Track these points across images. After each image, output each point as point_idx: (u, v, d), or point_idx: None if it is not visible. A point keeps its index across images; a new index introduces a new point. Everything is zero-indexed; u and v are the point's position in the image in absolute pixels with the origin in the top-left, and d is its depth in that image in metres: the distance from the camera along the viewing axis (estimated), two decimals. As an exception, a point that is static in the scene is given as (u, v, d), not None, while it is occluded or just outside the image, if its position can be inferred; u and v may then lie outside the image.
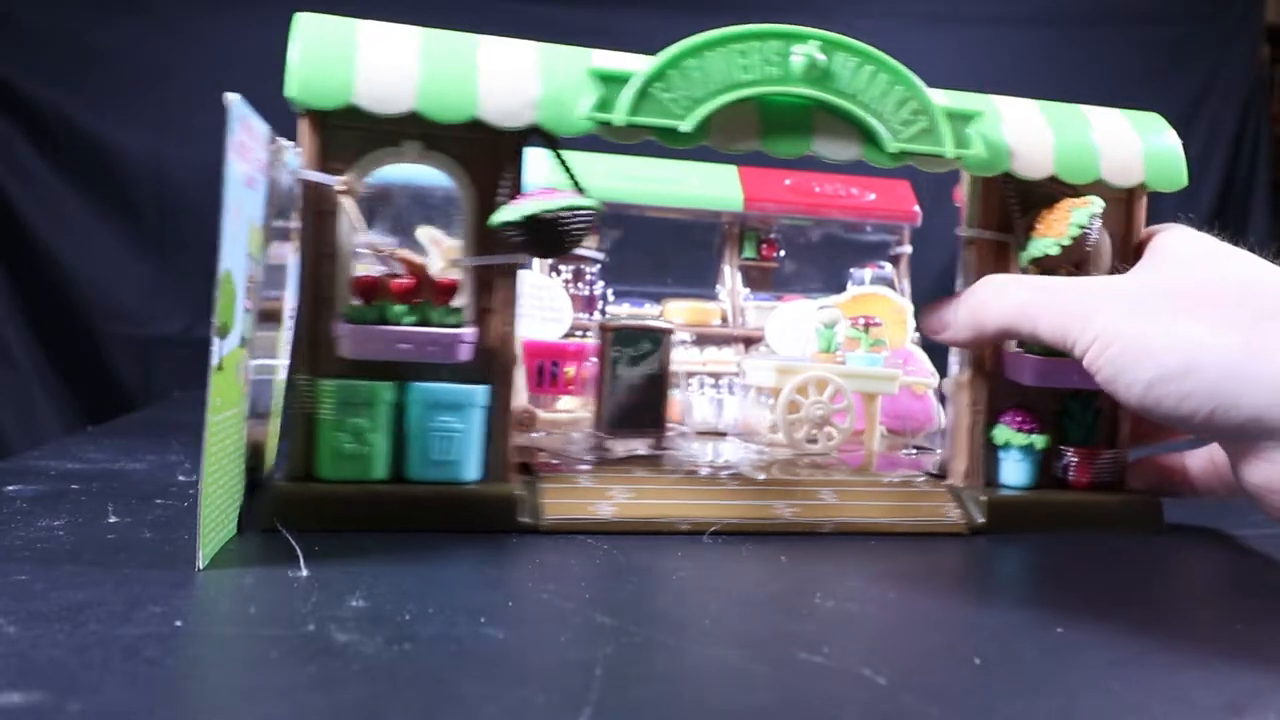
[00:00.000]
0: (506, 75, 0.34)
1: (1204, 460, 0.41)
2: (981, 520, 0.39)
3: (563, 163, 0.36)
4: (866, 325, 0.49)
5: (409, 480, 0.35)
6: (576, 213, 0.34)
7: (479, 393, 0.35)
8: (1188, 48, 1.61)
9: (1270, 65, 1.79)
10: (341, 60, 0.33)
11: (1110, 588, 0.32)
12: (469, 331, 0.35)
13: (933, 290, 0.54)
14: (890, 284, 0.61)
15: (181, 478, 0.42)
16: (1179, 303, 0.34)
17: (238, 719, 0.18)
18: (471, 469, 0.35)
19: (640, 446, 0.45)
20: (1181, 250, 0.38)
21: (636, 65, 0.35)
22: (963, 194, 0.43)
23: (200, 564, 0.27)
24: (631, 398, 0.45)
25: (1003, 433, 0.40)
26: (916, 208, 0.63)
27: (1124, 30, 1.58)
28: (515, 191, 0.35)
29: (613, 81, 0.34)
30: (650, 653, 0.23)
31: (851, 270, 0.61)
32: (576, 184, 0.35)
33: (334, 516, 0.33)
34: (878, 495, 0.39)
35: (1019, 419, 0.40)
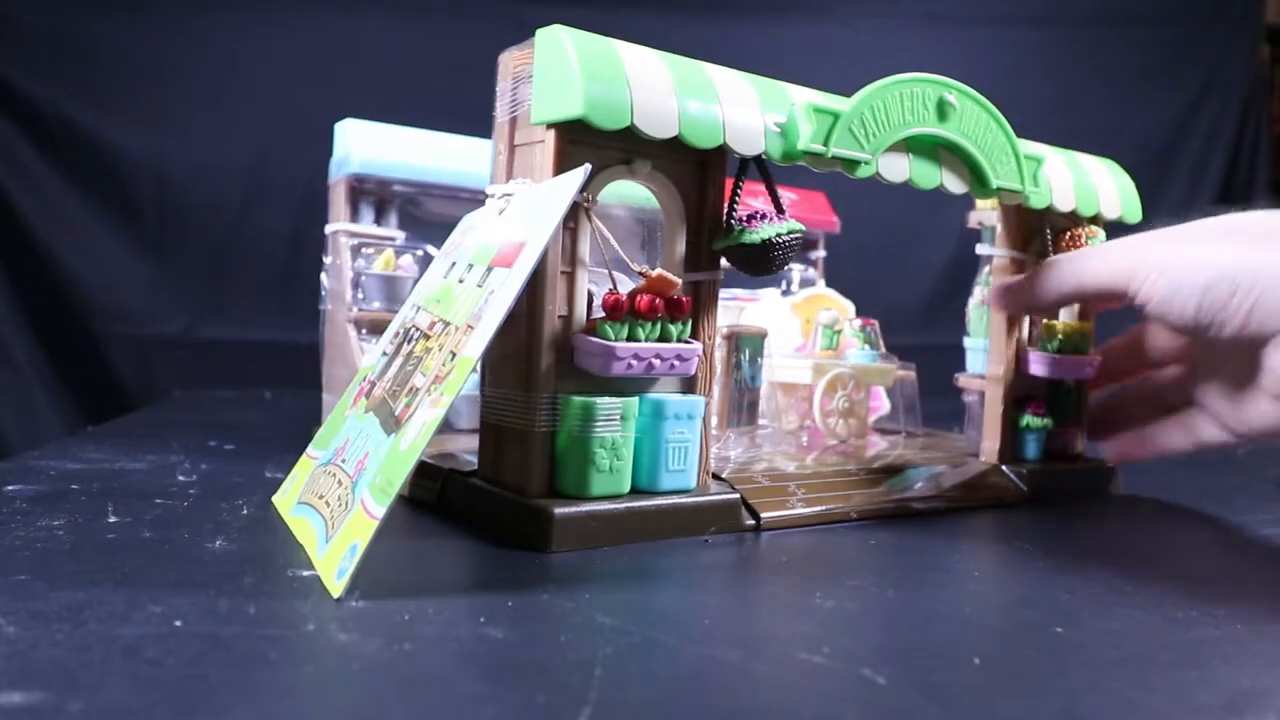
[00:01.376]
0: (743, 106, 0.36)
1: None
2: (1026, 489, 0.47)
3: (771, 187, 0.39)
4: (864, 325, 0.57)
5: (647, 491, 0.35)
6: (795, 236, 0.37)
7: (701, 403, 0.36)
8: (1188, 48, 1.61)
9: (1270, 65, 1.79)
10: (619, 83, 0.33)
11: (1110, 587, 0.32)
12: (698, 346, 0.36)
13: (849, 290, 0.63)
14: (813, 284, 0.69)
15: (181, 478, 0.42)
16: (1217, 232, 0.41)
17: (237, 719, 0.18)
18: (693, 477, 0.36)
19: (747, 442, 0.49)
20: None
21: (839, 105, 0.38)
22: (975, 219, 0.53)
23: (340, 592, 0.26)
24: (745, 396, 0.50)
25: (1025, 418, 0.49)
26: (835, 218, 0.70)
27: (1124, 30, 1.59)
28: (725, 215, 0.38)
29: (824, 116, 0.37)
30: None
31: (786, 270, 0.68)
32: (780, 207, 0.38)
33: (596, 534, 0.33)
34: (952, 476, 0.47)
35: (1033, 406, 0.49)
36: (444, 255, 0.37)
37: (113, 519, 0.33)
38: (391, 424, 0.30)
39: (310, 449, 0.37)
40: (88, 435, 0.56)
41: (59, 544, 0.30)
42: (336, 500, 0.30)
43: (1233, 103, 1.63)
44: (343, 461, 0.32)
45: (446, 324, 0.32)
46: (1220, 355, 0.45)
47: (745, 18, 1.46)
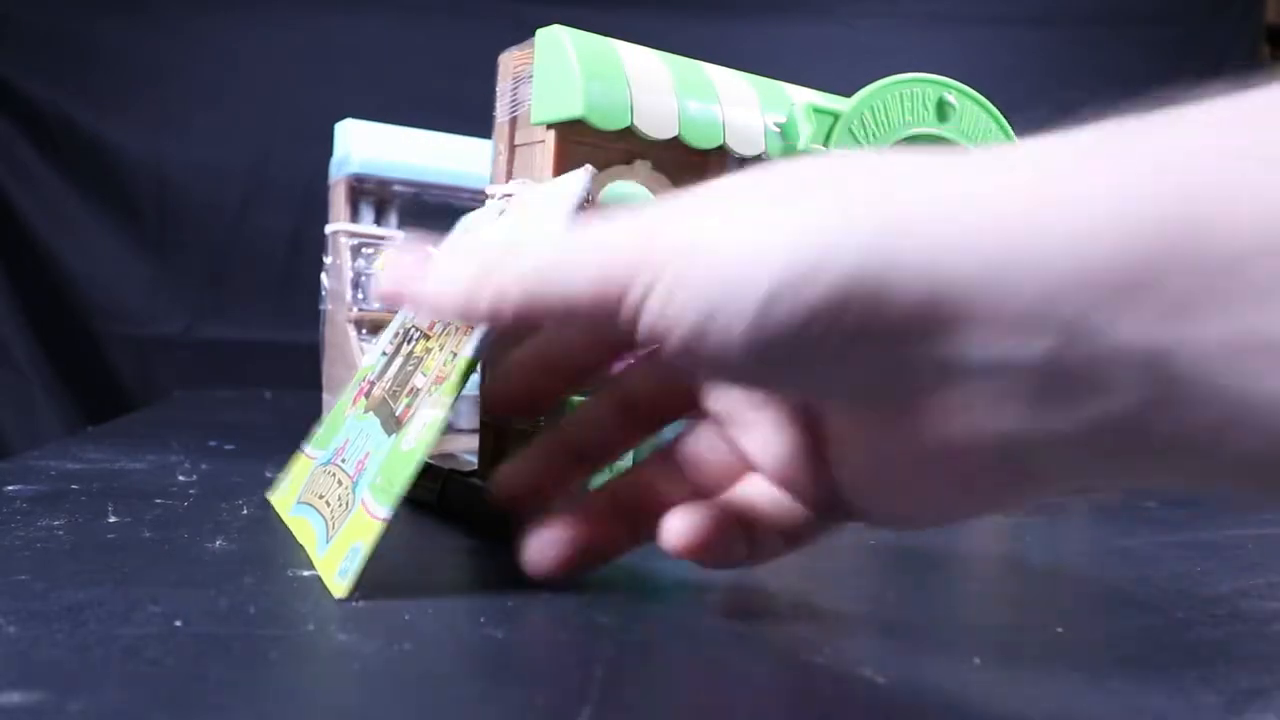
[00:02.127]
0: (743, 106, 0.36)
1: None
2: None
3: None
4: None
5: None
6: None
7: None
8: (1188, 48, 1.61)
9: (1270, 65, 1.79)
10: (620, 83, 0.33)
11: (1110, 587, 0.32)
12: None
13: None
14: None
15: (181, 478, 0.42)
16: (770, 189, 0.21)
17: (237, 719, 0.18)
18: None
19: None
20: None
21: (838, 105, 0.38)
22: None
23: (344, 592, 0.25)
24: None
25: None
26: None
27: (1124, 30, 1.58)
28: None
29: (824, 116, 0.37)
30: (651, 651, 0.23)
31: None
32: None
33: None
34: None
35: None
36: None
37: (113, 519, 0.33)
38: (392, 424, 0.30)
39: (308, 448, 0.37)
40: (88, 435, 0.56)
41: (59, 544, 0.30)
42: (337, 500, 0.30)
43: (1233, 103, 1.63)
44: (342, 461, 0.32)
45: (447, 324, 0.32)
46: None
47: (745, 18, 1.46)
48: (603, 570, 0.31)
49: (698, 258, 0.20)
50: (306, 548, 0.29)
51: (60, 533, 0.31)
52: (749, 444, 0.26)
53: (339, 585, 0.25)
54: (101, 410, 1.09)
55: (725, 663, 0.22)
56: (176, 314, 1.28)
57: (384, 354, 0.35)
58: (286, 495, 0.35)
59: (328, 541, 0.28)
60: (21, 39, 1.25)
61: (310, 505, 0.32)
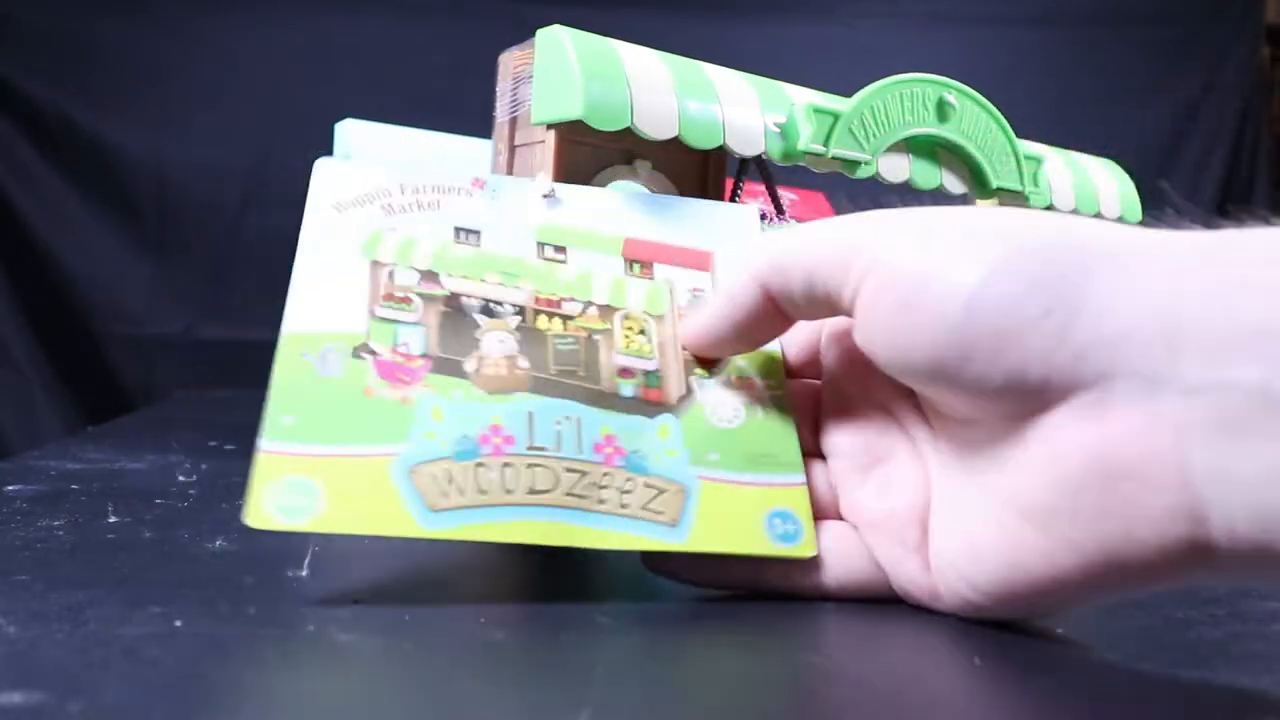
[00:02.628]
0: (743, 106, 0.36)
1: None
2: None
3: (771, 188, 0.39)
4: None
5: None
6: None
7: None
8: (1188, 48, 1.61)
9: (1270, 65, 1.79)
10: (619, 84, 0.33)
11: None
12: None
13: None
14: None
15: (181, 478, 0.42)
16: (972, 228, 0.24)
17: None
18: None
19: None
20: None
21: (839, 105, 0.38)
22: None
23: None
24: None
25: None
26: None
27: (1124, 30, 1.58)
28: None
29: (824, 116, 0.37)
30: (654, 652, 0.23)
31: None
32: (780, 208, 0.38)
33: None
34: None
35: None
36: (441, 222, 0.32)
37: (113, 519, 0.33)
38: (628, 405, 0.29)
39: (371, 445, 0.26)
40: (88, 435, 0.56)
41: (59, 544, 0.30)
42: (600, 484, 0.27)
43: (1233, 103, 1.63)
44: (532, 449, 0.27)
45: (590, 305, 0.30)
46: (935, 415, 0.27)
47: (745, 18, 1.46)
48: (603, 571, 0.31)
49: (899, 269, 0.23)
50: (593, 544, 0.26)
51: (60, 533, 0.31)
52: (860, 494, 0.28)
53: (801, 547, 0.27)
54: (101, 410, 1.09)
55: (725, 664, 0.22)
56: (176, 314, 1.28)
57: (383, 318, 0.29)
58: (388, 507, 0.25)
59: (676, 526, 0.26)
60: (21, 39, 1.25)
61: (555, 506, 0.26)
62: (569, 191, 0.33)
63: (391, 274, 0.30)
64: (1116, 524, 0.21)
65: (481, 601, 0.26)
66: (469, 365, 0.29)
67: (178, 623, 0.23)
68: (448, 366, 0.28)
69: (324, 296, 0.29)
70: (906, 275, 0.23)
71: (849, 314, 0.25)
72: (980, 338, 0.22)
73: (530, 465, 0.27)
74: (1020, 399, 0.22)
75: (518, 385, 0.28)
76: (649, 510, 0.27)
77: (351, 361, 0.28)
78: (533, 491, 0.26)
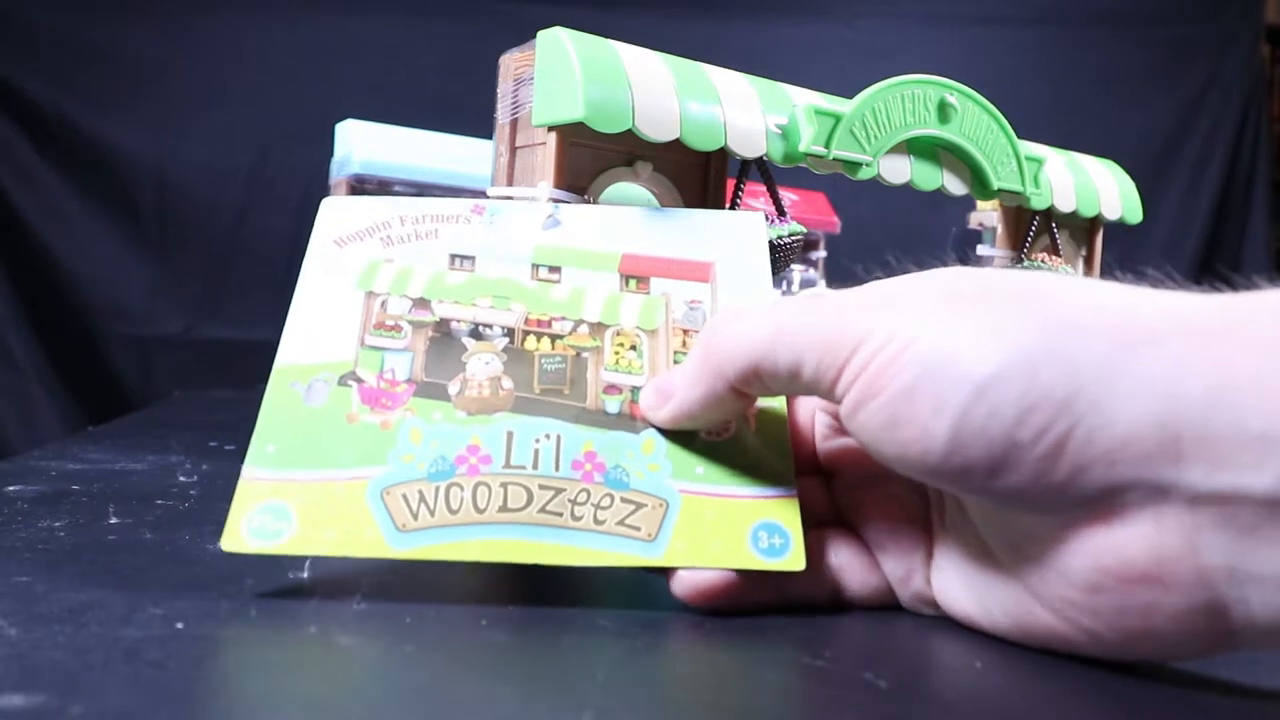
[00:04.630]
0: (744, 108, 0.36)
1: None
2: None
3: (773, 189, 0.38)
4: None
5: None
6: (796, 238, 0.37)
7: None
8: (1188, 48, 1.61)
9: (1270, 65, 1.79)
10: (621, 86, 0.33)
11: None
12: None
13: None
14: (813, 285, 0.70)
15: (182, 478, 0.42)
16: (964, 293, 0.23)
17: (239, 722, 0.18)
18: None
19: None
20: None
21: (840, 106, 0.38)
22: (976, 220, 0.52)
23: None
24: None
25: None
26: (836, 218, 0.71)
27: (1124, 30, 1.58)
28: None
29: (825, 118, 0.37)
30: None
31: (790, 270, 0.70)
32: (781, 210, 0.38)
33: None
34: None
35: None
36: (434, 252, 0.33)
37: (113, 520, 0.33)
38: (612, 421, 0.29)
39: (347, 469, 0.27)
40: (88, 435, 0.56)
41: (60, 545, 0.30)
42: (596, 503, 0.27)
43: (1233, 103, 1.63)
44: (510, 468, 0.27)
45: (580, 323, 0.31)
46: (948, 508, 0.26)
47: (745, 18, 1.46)
48: (603, 573, 0.30)
49: (922, 337, 0.22)
50: (574, 560, 0.26)
51: (61, 534, 0.31)
52: (863, 510, 0.28)
53: (789, 560, 0.26)
54: (101, 410, 1.09)
55: (726, 666, 0.22)
56: (176, 314, 1.28)
57: (405, 350, 0.30)
58: (359, 529, 0.26)
59: (653, 541, 0.26)
60: (21, 39, 1.25)
61: (519, 524, 0.26)
62: (569, 212, 0.33)
63: (385, 303, 0.31)
64: (1133, 621, 0.21)
65: (483, 604, 0.26)
66: (453, 388, 0.29)
67: (179, 624, 0.23)
68: (431, 390, 0.29)
69: (318, 329, 0.30)
70: (894, 390, 0.22)
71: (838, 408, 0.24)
72: (971, 460, 0.21)
73: (504, 484, 0.27)
74: (1022, 508, 0.22)
75: (500, 406, 0.29)
76: (625, 526, 0.27)
77: (336, 390, 0.29)
78: (504, 509, 0.27)
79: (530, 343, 0.30)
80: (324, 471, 0.27)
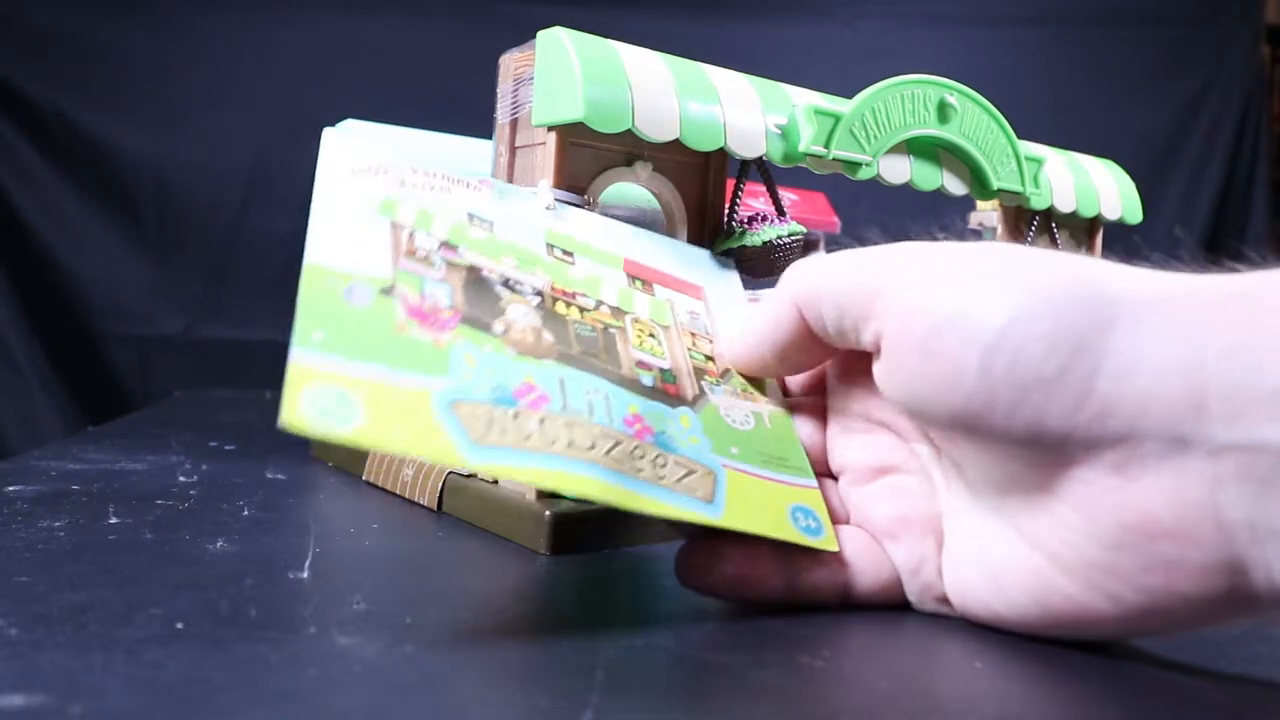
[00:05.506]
0: (744, 108, 0.36)
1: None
2: None
3: (772, 189, 0.39)
4: None
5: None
6: (795, 238, 0.37)
7: None
8: (1188, 48, 1.61)
9: (1270, 65, 1.79)
10: (621, 86, 0.33)
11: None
12: None
13: None
14: None
15: (182, 478, 0.42)
16: (994, 266, 0.24)
17: (239, 722, 0.18)
18: None
19: None
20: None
21: (840, 106, 0.38)
22: (976, 220, 0.53)
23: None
24: None
25: None
26: (836, 218, 0.71)
27: (1124, 30, 1.58)
28: (725, 217, 0.38)
29: (825, 118, 0.37)
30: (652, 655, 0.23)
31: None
32: (781, 209, 0.38)
33: (598, 536, 0.34)
34: None
35: None
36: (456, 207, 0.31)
37: (114, 520, 0.33)
38: (652, 393, 0.28)
39: (407, 373, 0.24)
40: (88, 435, 0.56)
41: (60, 545, 0.30)
42: (653, 460, 0.26)
43: (1233, 103, 1.63)
44: (573, 411, 0.26)
45: (601, 303, 0.30)
46: (962, 456, 0.25)
47: (745, 18, 1.46)
48: (602, 573, 0.30)
49: (928, 310, 0.23)
50: (640, 508, 0.25)
51: (61, 534, 0.31)
52: (872, 505, 0.28)
53: (825, 541, 0.27)
54: (101, 410, 1.09)
55: (725, 666, 0.22)
56: (176, 314, 1.28)
57: (408, 271, 0.27)
58: (431, 432, 0.23)
59: (712, 503, 0.26)
60: (21, 39, 1.25)
61: (591, 462, 0.25)
62: (569, 213, 0.33)
63: (411, 235, 0.28)
64: (1156, 579, 0.21)
65: (483, 604, 0.26)
66: (497, 328, 0.27)
67: (179, 625, 0.23)
68: (478, 323, 0.27)
69: (346, 237, 0.27)
70: (924, 323, 0.23)
71: (871, 353, 0.26)
72: (997, 391, 0.22)
73: (568, 423, 0.25)
74: (1043, 451, 0.22)
75: (546, 353, 0.27)
76: (684, 485, 0.26)
77: (380, 298, 0.26)
78: (573, 446, 0.25)
79: (560, 308, 0.29)
80: (382, 368, 0.24)
